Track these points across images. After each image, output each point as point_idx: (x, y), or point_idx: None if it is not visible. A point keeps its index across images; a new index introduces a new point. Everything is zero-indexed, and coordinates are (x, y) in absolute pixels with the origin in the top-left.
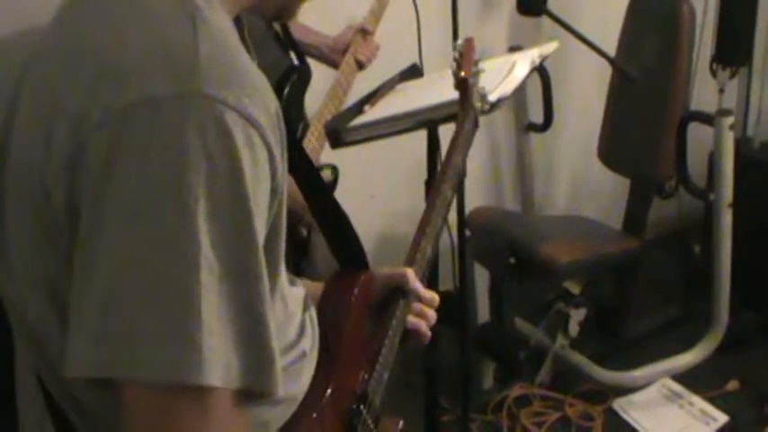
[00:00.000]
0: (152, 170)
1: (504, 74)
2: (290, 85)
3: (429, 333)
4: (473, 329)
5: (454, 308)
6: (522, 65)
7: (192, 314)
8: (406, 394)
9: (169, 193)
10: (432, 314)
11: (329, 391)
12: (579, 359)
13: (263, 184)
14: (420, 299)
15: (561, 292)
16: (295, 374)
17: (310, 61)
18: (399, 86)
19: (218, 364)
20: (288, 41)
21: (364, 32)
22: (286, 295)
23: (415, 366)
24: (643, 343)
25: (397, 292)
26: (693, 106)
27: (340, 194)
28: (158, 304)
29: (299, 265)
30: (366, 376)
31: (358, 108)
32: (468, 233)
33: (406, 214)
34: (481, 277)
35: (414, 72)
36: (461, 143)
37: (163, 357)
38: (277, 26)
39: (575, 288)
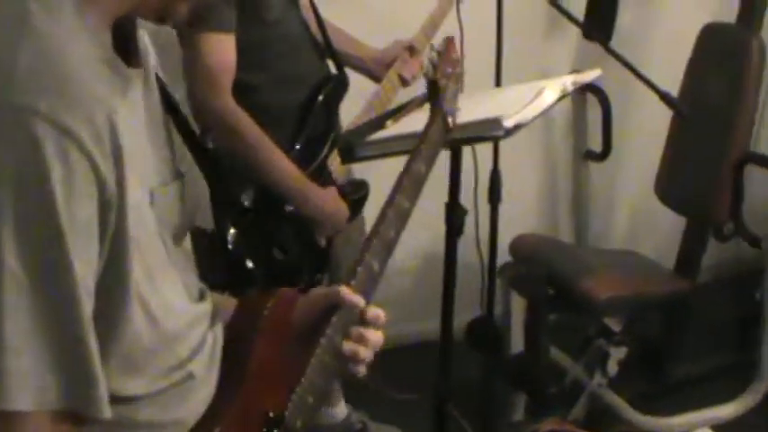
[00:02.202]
0: None
1: (528, 99)
2: (324, 93)
3: (366, 359)
4: (506, 359)
5: (484, 334)
6: (551, 91)
7: None
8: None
9: None
10: (376, 337)
11: (232, 413)
12: (616, 400)
13: (84, 198)
14: (361, 318)
15: (602, 328)
16: (179, 397)
17: (352, 73)
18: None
19: (30, 386)
20: (326, 49)
21: (412, 49)
22: (157, 315)
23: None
24: (686, 389)
25: (331, 312)
26: (757, 148)
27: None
28: None
29: (314, 278)
30: (286, 399)
31: (379, 123)
32: (510, 259)
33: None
34: (520, 306)
35: None
36: (425, 151)
37: None
38: (316, 33)
39: (616, 325)
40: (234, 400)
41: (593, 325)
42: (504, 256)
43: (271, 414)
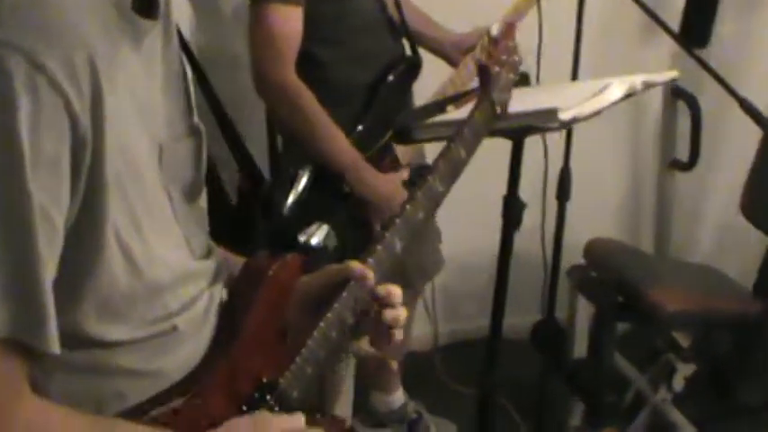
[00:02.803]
0: None
1: (589, 93)
2: (395, 73)
3: (393, 337)
4: (567, 363)
5: (547, 336)
6: (617, 88)
7: None
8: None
9: None
10: (393, 315)
11: (220, 372)
12: (678, 417)
13: (51, 132)
14: (372, 295)
15: (670, 342)
16: (161, 348)
17: (431, 57)
18: None
19: None
20: (401, 29)
21: (492, 37)
22: (141, 264)
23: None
24: (755, 414)
25: (342, 286)
26: None
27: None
28: None
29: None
30: (283, 367)
31: (441, 106)
32: (582, 263)
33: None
34: (586, 310)
35: (522, 80)
36: (467, 135)
37: None
38: (392, 12)
39: (684, 340)
40: (224, 359)
41: (662, 338)
42: (578, 259)
43: (264, 379)
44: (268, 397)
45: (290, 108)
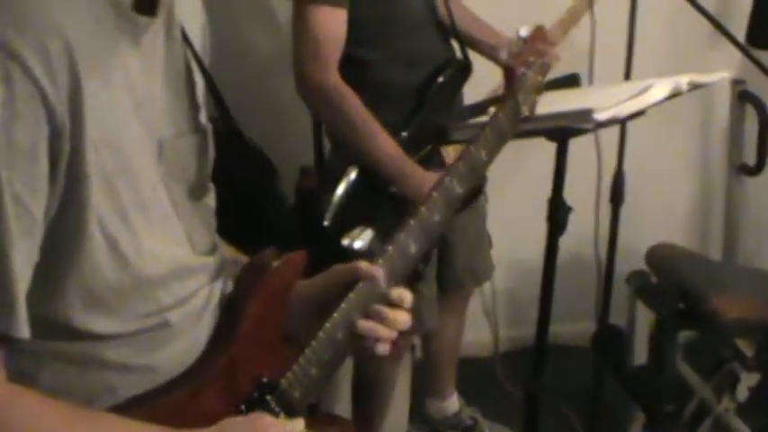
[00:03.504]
0: None
1: (628, 94)
2: (444, 76)
3: (385, 338)
4: (627, 370)
5: (607, 342)
6: (660, 88)
7: None
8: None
9: None
10: (399, 318)
11: (217, 369)
12: (742, 428)
13: (26, 121)
14: (386, 298)
15: (735, 351)
16: (153, 343)
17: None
18: (551, 93)
19: None
20: (451, 31)
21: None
22: (129, 256)
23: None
24: None
25: (350, 287)
26: None
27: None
28: None
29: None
30: (285, 367)
31: (482, 108)
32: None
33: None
34: (645, 316)
35: (571, 82)
36: (489, 137)
37: None
38: (443, 14)
39: (748, 348)
40: (222, 356)
41: (726, 346)
42: (641, 265)
43: (264, 379)
44: (268, 397)
45: (333, 111)
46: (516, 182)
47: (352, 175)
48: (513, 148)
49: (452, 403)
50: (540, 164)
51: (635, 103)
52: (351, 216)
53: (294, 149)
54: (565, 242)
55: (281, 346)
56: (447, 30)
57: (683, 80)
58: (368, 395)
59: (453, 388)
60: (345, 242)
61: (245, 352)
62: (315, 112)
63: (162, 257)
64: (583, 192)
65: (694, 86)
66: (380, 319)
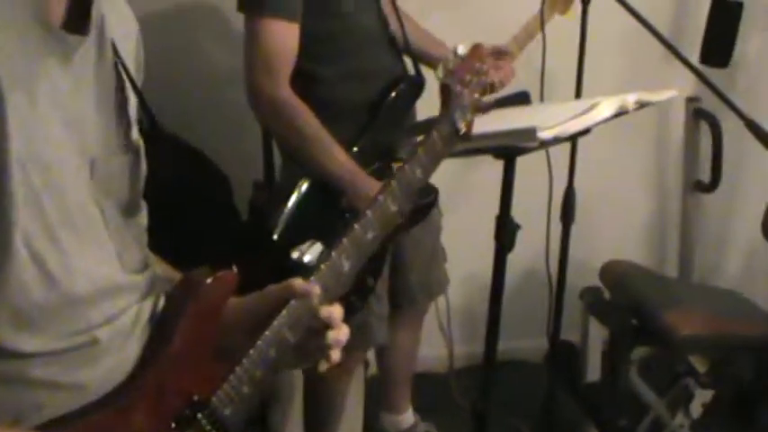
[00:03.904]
0: None
1: (574, 112)
2: (396, 92)
3: (329, 355)
4: (581, 385)
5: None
6: (606, 106)
7: None
8: None
9: None
10: (334, 335)
11: (145, 387)
12: None
13: None
14: (315, 315)
15: (689, 367)
16: (80, 361)
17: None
18: (497, 111)
19: None
20: (404, 47)
21: (500, 54)
22: (57, 274)
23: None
24: None
25: (282, 305)
26: None
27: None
28: None
29: (364, 281)
30: (216, 385)
31: (429, 126)
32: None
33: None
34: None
35: (521, 99)
36: (422, 154)
37: None
38: (394, 31)
39: (701, 365)
40: (152, 374)
41: (681, 363)
42: (594, 281)
43: (196, 397)
44: (199, 415)
45: (284, 124)
46: (471, 197)
47: (303, 188)
48: (467, 164)
49: (407, 418)
50: (494, 179)
51: (580, 121)
52: (301, 230)
53: (248, 163)
54: (518, 258)
55: (212, 364)
56: (398, 46)
57: (630, 99)
58: (319, 410)
59: (408, 403)
60: (295, 255)
61: (176, 370)
62: (266, 125)
63: (91, 275)
64: (535, 208)
65: (642, 105)
66: (315, 334)
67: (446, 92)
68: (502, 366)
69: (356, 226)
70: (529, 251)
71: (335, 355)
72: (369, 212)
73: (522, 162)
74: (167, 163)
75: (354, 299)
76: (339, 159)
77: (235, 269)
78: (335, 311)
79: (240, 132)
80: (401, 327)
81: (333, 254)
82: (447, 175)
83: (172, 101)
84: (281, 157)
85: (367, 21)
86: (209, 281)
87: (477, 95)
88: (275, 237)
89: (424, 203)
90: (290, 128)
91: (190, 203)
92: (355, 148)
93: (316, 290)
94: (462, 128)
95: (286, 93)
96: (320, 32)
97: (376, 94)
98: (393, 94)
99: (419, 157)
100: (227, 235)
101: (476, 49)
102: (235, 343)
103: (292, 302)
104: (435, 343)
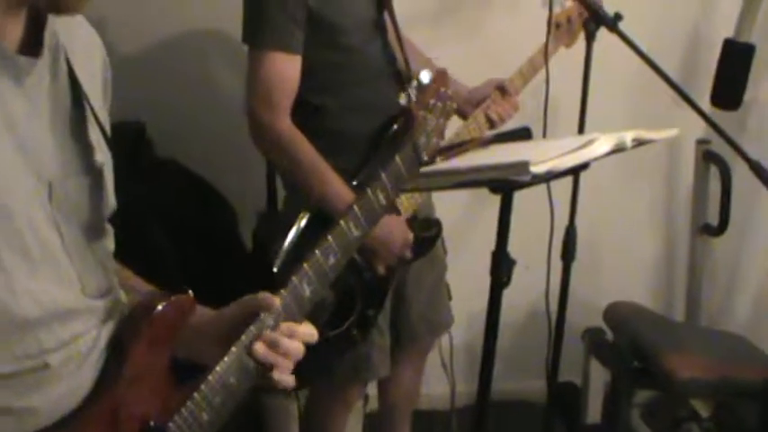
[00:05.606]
0: None
1: (570, 147)
2: (398, 125)
3: (285, 367)
4: (580, 428)
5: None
6: (604, 143)
7: None
8: None
9: None
10: (293, 347)
11: (98, 412)
12: None
13: None
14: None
15: (692, 412)
16: (30, 386)
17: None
18: (498, 145)
19: None
20: (408, 81)
21: (504, 90)
22: (2, 296)
23: None
24: None
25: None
26: None
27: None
28: None
29: (365, 312)
30: (173, 410)
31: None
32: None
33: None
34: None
35: (522, 134)
36: (385, 180)
37: None
38: (402, 65)
39: (704, 410)
40: (106, 400)
41: (683, 407)
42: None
43: (152, 422)
44: None
45: (283, 155)
46: (477, 234)
47: (303, 221)
48: (473, 202)
49: None
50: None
51: (575, 156)
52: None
53: (254, 193)
54: (519, 297)
55: (168, 389)
56: (404, 80)
57: (628, 136)
58: None
59: None
60: None
61: (131, 395)
62: (266, 156)
63: (41, 299)
64: (538, 246)
65: (640, 143)
66: (274, 346)
67: (408, 116)
68: (503, 406)
69: (317, 251)
70: (531, 290)
71: (287, 369)
72: (330, 238)
73: (525, 199)
74: (171, 192)
75: (356, 332)
76: (338, 191)
77: (191, 293)
78: (297, 329)
79: (246, 162)
80: (403, 363)
81: (293, 279)
82: (453, 214)
83: (179, 130)
84: (285, 188)
85: (372, 54)
86: (162, 305)
87: (442, 120)
88: (275, 269)
89: (426, 236)
90: (288, 159)
91: (194, 234)
92: (355, 182)
93: (275, 303)
94: (424, 153)
95: (285, 124)
96: (325, 64)
97: (378, 127)
98: (395, 126)
99: (382, 181)
100: (231, 266)
101: (440, 75)
102: (213, 356)
103: (251, 328)
104: (437, 380)
